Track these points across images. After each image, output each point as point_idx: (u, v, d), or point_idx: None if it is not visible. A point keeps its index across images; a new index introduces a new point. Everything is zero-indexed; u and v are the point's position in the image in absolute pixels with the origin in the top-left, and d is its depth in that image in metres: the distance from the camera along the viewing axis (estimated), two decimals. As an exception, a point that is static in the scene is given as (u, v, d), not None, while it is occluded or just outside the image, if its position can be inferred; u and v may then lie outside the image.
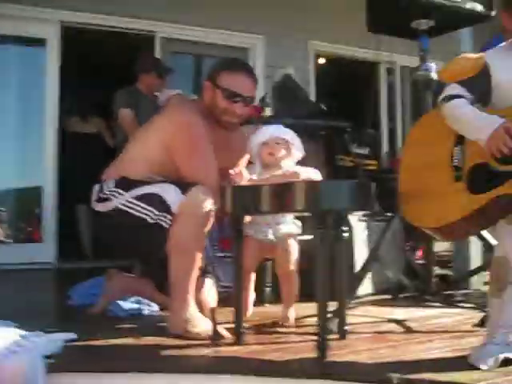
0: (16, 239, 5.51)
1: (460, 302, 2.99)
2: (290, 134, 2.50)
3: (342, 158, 4.45)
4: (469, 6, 2.62)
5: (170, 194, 2.33)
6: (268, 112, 3.95)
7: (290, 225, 2.51)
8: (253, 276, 2.61)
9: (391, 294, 3.14)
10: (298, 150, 2.51)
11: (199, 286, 2.50)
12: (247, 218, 2.43)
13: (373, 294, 3.24)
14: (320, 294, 1.87)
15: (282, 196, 1.85)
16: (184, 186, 2.34)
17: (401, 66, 7.05)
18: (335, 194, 1.82)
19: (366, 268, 2.64)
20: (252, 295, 2.64)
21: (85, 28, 5.60)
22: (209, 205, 2.30)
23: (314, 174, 2.35)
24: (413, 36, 2.78)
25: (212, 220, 2.34)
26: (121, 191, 2.44)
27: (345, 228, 2.07)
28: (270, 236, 2.47)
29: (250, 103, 2.62)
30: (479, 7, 2.63)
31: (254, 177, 2.39)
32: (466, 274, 3.07)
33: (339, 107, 4.89)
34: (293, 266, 2.45)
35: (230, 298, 2.40)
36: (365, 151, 4.75)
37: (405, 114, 7.15)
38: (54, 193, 5.32)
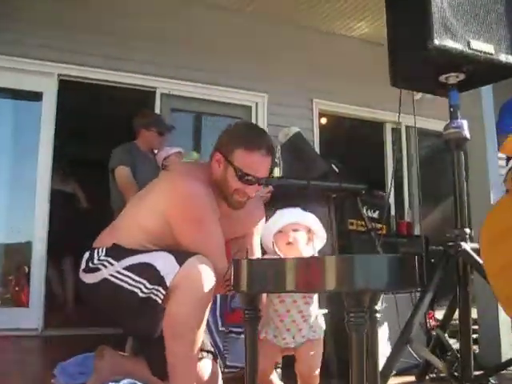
0: (3, 302, 5.18)
1: (494, 385, 2.64)
2: (309, 218, 2.12)
3: (351, 221, 4.18)
4: (503, 58, 2.39)
5: (163, 263, 2.03)
6: (277, 173, 3.71)
7: (312, 328, 2.12)
8: (274, 376, 2.22)
9: (416, 374, 2.80)
10: (320, 238, 2.14)
11: (203, 371, 2.18)
12: (263, 321, 2.04)
13: (395, 375, 2.90)
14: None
15: (309, 273, 1.54)
16: (181, 254, 2.04)
17: (406, 125, 6.94)
18: (373, 271, 1.50)
19: (396, 353, 2.29)
20: None
21: (82, 82, 5.42)
22: (209, 278, 1.99)
23: None
24: (441, 91, 2.55)
25: (212, 298, 2.05)
26: (111, 260, 2.15)
27: (378, 307, 1.77)
28: (292, 345, 2.10)
29: (263, 183, 2.32)
30: (514, 60, 2.41)
31: None
32: (497, 366, 2.72)
33: (344, 167, 4.69)
34: (316, 371, 2.10)
35: (236, 379, 2.08)
36: (375, 215, 4.48)
37: (411, 174, 6.95)
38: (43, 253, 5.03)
